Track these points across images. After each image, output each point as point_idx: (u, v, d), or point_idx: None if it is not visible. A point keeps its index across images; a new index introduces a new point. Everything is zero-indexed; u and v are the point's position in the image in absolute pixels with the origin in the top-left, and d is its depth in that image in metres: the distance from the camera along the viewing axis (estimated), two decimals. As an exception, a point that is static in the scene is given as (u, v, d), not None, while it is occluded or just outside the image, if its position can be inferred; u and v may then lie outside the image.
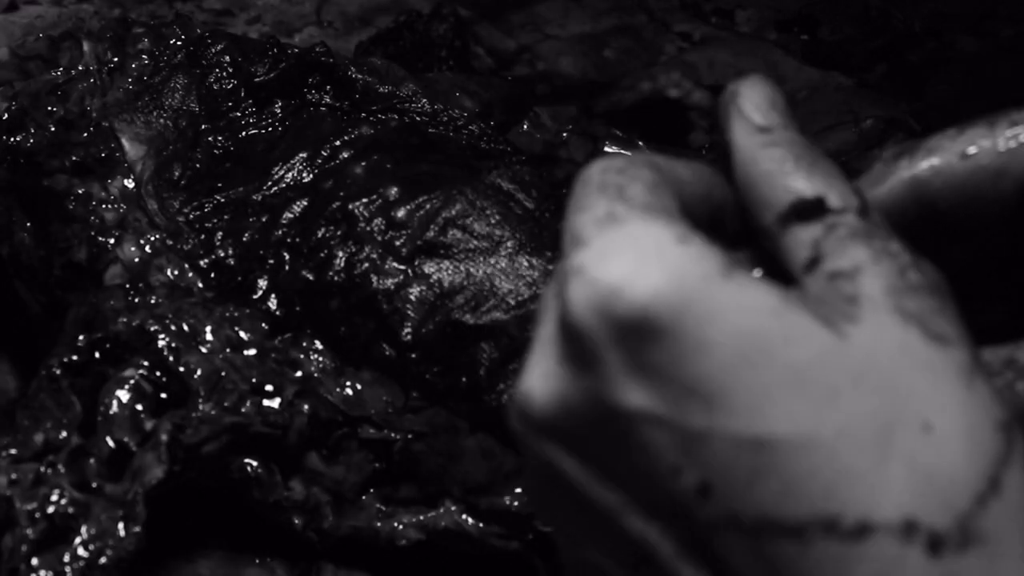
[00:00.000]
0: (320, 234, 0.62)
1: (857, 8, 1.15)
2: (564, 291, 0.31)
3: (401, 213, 0.62)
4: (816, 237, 0.37)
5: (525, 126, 0.97)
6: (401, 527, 0.60)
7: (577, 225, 0.32)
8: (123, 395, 0.55)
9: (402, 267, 0.61)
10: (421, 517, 0.60)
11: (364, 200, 0.63)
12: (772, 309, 0.32)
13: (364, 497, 0.60)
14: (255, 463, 0.58)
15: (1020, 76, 1.02)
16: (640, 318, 0.30)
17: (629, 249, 0.31)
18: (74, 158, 0.65)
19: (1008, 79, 1.02)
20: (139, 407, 0.55)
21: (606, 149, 0.95)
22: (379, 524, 0.60)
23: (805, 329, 0.32)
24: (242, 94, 0.68)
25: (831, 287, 0.35)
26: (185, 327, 0.58)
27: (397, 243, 0.61)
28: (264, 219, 0.63)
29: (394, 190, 0.63)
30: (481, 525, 0.60)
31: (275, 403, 0.58)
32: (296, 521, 0.60)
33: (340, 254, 0.61)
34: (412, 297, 0.60)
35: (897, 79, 1.06)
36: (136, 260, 0.62)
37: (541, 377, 0.33)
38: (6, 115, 0.67)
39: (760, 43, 1.12)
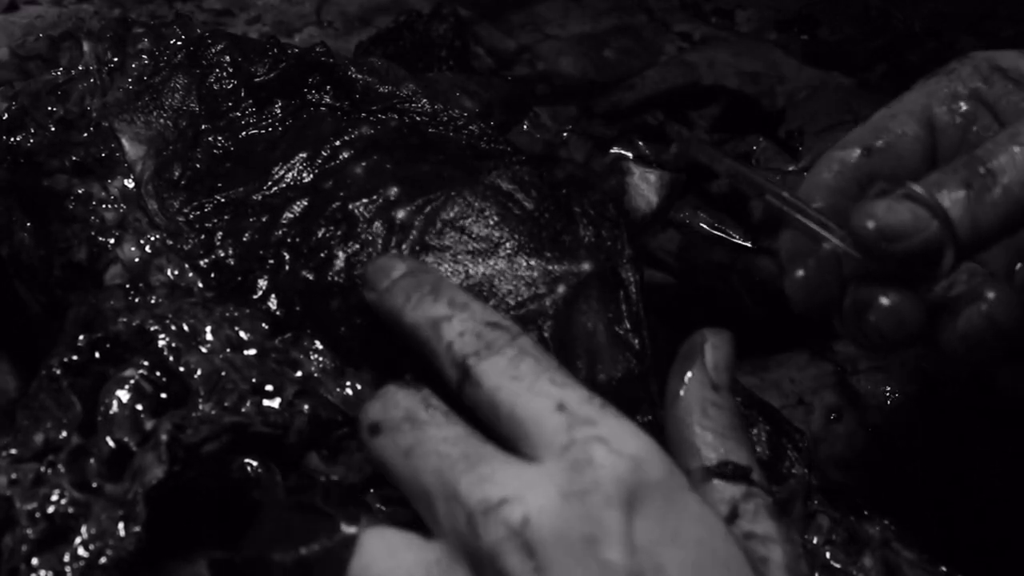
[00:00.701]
0: (320, 234, 0.62)
1: (857, 8, 1.15)
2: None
3: (401, 214, 0.62)
4: (735, 497, 0.47)
5: (525, 126, 0.97)
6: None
7: None
8: (123, 395, 0.54)
9: None
10: (421, 516, 0.60)
11: (364, 200, 0.63)
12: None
13: (364, 497, 0.60)
14: (255, 463, 0.58)
15: (1020, 76, 1.02)
16: None
17: None
18: (74, 158, 0.65)
19: (1008, 79, 1.02)
20: (139, 407, 0.54)
21: (611, 151, 0.95)
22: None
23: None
24: (242, 94, 0.68)
25: (747, 543, 0.46)
26: (185, 327, 0.58)
27: (397, 243, 0.61)
28: (264, 219, 0.63)
29: (394, 190, 0.63)
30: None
31: (275, 403, 0.58)
32: (296, 521, 0.60)
33: (340, 254, 0.61)
34: (412, 297, 0.60)
35: (897, 79, 1.06)
36: (136, 260, 0.62)
37: None
38: (6, 115, 0.67)
39: (760, 43, 1.12)
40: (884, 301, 0.50)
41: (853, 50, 1.10)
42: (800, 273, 0.54)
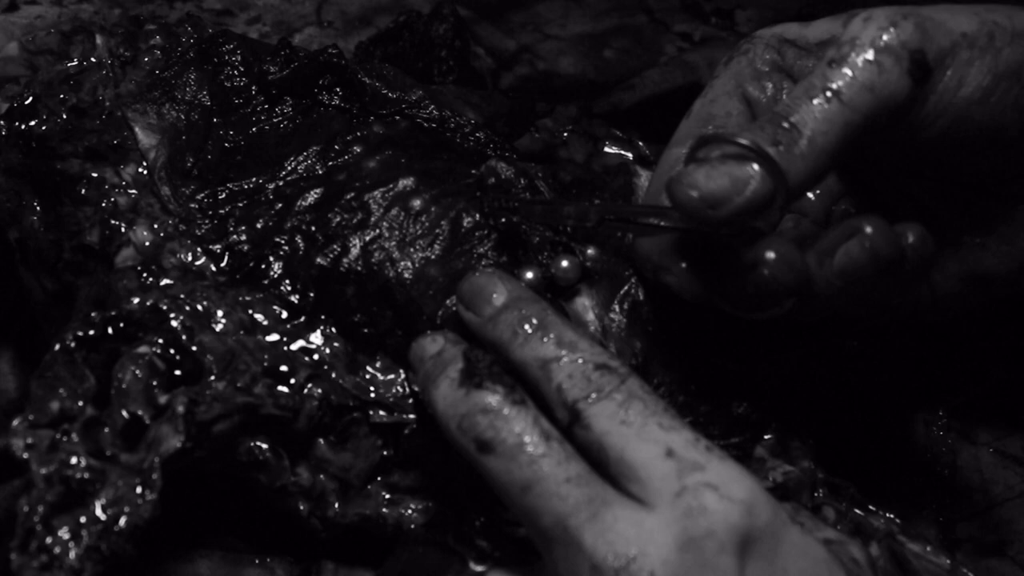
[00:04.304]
0: (335, 222, 0.62)
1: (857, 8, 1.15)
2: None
3: (417, 203, 0.63)
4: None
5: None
6: (408, 512, 0.60)
7: None
8: (137, 370, 0.55)
9: (419, 256, 0.61)
10: (429, 503, 0.60)
11: (380, 190, 0.63)
12: None
13: (370, 486, 0.60)
14: (264, 446, 0.58)
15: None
16: None
17: None
18: (87, 144, 0.65)
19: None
20: (153, 382, 0.55)
21: (606, 150, 0.95)
22: (385, 511, 0.60)
23: None
24: (253, 91, 0.69)
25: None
26: (199, 307, 0.58)
27: (414, 232, 0.62)
28: (278, 207, 0.63)
29: (410, 180, 0.64)
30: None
31: (287, 386, 0.58)
32: (301, 507, 0.60)
33: (356, 242, 0.62)
34: (430, 286, 0.60)
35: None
36: (148, 243, 0.62)
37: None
38: (18, 102, 0.67)
39: (760, 43, 1.12)
40: (770, 255, 0.51)
41: (853, 50, 1.10)
42: (682, 265, 0.56)
